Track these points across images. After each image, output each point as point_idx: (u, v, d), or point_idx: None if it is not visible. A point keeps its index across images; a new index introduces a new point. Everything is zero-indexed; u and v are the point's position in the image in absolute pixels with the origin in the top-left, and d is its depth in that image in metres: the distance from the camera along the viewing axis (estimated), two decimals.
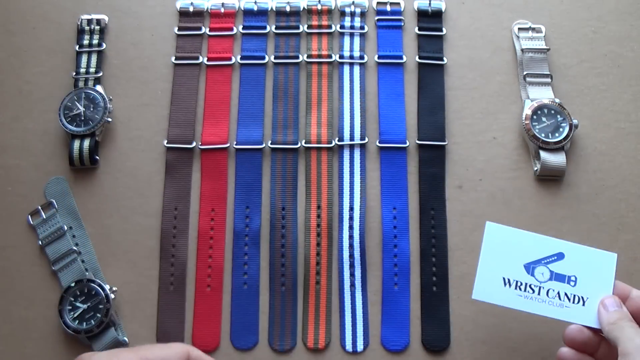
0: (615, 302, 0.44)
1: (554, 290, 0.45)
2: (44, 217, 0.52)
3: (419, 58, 0.56)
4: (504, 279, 0.45)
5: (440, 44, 0.57)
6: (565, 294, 0.45)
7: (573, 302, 0.45)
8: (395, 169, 0.53)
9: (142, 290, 0.50)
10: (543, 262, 0.46)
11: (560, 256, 0.46)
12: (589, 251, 0.46)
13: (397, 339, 0.49)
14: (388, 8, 0.58)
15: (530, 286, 0.45)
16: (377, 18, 0.58)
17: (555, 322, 0.49)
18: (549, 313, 0.45)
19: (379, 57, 0.56)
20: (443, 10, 0.58)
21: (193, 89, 0.55)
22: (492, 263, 0.45)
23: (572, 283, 0.45)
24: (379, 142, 0.54)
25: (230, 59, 0.56)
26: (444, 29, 0.57)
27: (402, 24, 0.57)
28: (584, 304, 0.45)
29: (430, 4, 0.58)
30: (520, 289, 0.45)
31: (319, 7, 0.58)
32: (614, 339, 0.41)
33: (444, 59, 0.56)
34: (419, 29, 0.57)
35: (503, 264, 0.46)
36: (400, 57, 0.56)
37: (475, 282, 0.45)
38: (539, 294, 0.45)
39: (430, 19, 0.58)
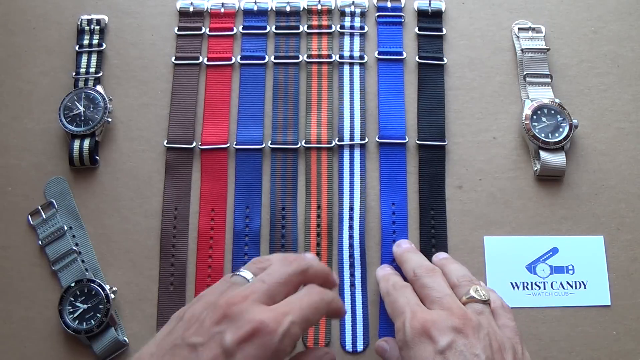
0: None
1: (557, 282, 0.50)
2: (44, 217, 0.52)
3: (419, 58, 0.56)
4: (511, 283, 0.50)
5: (440, 44, 0.57)
6: (567, 283, 0.50)
7: (576, 288, 0.50)
8: (394, 165, 0.53)
9: (142, 290, 0.50)
10: (541, 259, 0.51)
11: (554, 251, 0.51)
12: (578, 240, 0.51)
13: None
14: (388, 4, 0.58)
15: (535, 284, 0.50)
16: (377, 14, 0.58)
17: (555, 321, 0.49)
18: (558, 303, 0.49)
19: (379, 54, 0.56)
20: (443, 10, 0.58)
21: (193, 89, 0.55)
22: (498, 272, 0.50)
23: (571, 271, 0.50)
24: (379, 138, 0.54)
25: (230, 59, 0.56)
26: (444, 29, 0.57)
27: (403, 20, 0.57)
28: (585, 287, 0.50)
29: (430, 4, 0.58)
30: (527, 289, 0.50)
31: (319, 7, 0.58)
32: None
33: (444, 59, 0.56)
34: (419, 29, 0.57)
35: (507, 270, 0.50)
36: (401, 54, 0.56)
37: None
38: (544, 288, 0.50)
39: (430, 19, 0.58)
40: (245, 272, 0.39)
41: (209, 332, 0.35)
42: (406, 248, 0.49)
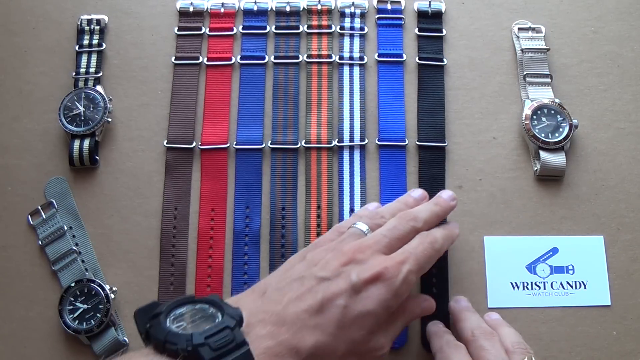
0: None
1: (557, 282, 0.50)
2: (44, 217, 0.52)
3: (419, 59, 0.56)
4: (511, 283, 0.50)
5: (440, 45, 0.57)
6: (568, 283, 0.50)
7: (576, 288, 0.50)
8: (394, 167, 0.53)
9: (142, 290, 0.50)
10: (541, 259, 0.51)
11: (554, 251, 0.51)
12: (578, 239, 0.51)
13: None
14: (389, 7, 0.58)
15: (535, 284, 0.50)
16: (377, 16, 0.58)
17: (555, 321, 0.49)
18: (558, 303, 0.49)
19: (379, 56, 0.56)
20: (443, 11, 0.58)
21: (193, 89, 0.55)
22: (498, 272, 0.50)
23: (571, 271, 0.50)
24: (378, 140, 0.54)
25: (230, 59, 0.56)
26: (444, 30, 0.57)
27: (403, 22, 0.57)
28: (585, 287, 0.50)
29: (430, 4, 0.58)
30: (527, 289, 0.50)
31: (319, 7, 0.58)
32: None
33: (444, 59, 0.56)
34: (419, 30, 0.57)
35: (507, 270, 0.50)
36: (401, 56, 0.56)
37: (488, 293, 0.50)
38: (544, 288, 0.50)
39: (430, 19, 0.58)
40: (361, 225, 0.44)
41: (337, 270, 0.40)
42: (465, 306, 0.48)
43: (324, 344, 0.37)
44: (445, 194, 0.48)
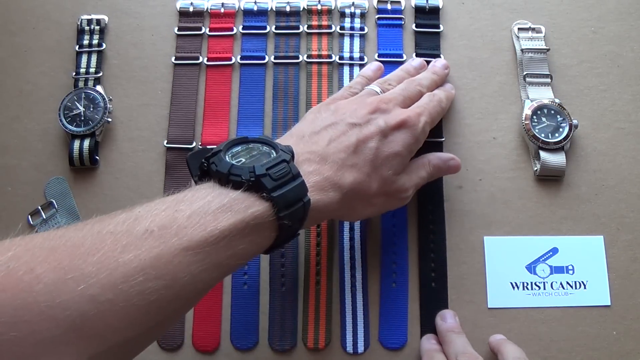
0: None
1: (557, 282, 0.50)
2: (44, 217, 0.52)
3: (416, 55, 0.56)
4: (511, 283, 0.50)
5: (437, 41, 0.57)
6: (568, 283, 0.50)
7: (576, 288, 0.50)
8: None
9: None
10: (541, 259, 0.51)
11: (554, 251, 0.51)
12: (578, 240, 0.51)
13: (395, 336, 0.49)
14: (389, 7, 0.58)
15: (535, 284, 0.50)
16: (377, 16, 0.58)
17: (555, 321, 0.49)
18: (558, 303, 0.49)
19: (379, 56, 0.56)
20: (440, 6, 0.58)
21: (193, 89, 0.55)
22: (497, 272, 0.50)
23: (571, 271, 0.50)
24: None
25: (230, 59, 0.56)
26: (441, 26, 0.57)
27: (403, 22, 0.57)
28: (585, 287, 0.50)
29: (427, 0, 0.58)
30: (527, 289, 0.50)
31: (319, 7, 0.58)
32: None
33: (441, 55, 0.56)
34: (416, 26, 0.57)
35: (507, 271, 0.50)
36: (401, 56, 0.56)
37: (488, 293, 0.50)
38: (544, 288, 0.50)
39: (427, 15, 0.57)
40: (375, 87, 0.49)
41: (365, 117, 0.45)
42: (450, 326, 0.48)
43: (360, 181, 0.42)
44: (439, 63, 0.54)
